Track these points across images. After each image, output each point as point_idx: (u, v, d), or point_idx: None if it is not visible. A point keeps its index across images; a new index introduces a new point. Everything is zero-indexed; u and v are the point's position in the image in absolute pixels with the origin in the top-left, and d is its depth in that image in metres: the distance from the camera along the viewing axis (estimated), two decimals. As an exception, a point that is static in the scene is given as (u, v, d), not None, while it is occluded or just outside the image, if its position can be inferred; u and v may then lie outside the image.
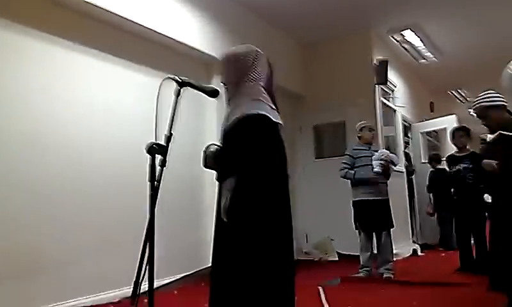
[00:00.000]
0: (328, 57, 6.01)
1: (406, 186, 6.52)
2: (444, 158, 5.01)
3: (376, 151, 4.15)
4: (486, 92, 2.73)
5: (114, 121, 3.55)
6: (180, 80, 1.65)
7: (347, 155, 4.20)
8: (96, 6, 3.24)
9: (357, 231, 4.13)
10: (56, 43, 3.17)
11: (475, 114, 2.76)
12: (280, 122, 1.77)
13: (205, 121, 4.40)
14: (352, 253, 4.78)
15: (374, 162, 3.99)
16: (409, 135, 7.23)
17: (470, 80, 7.78)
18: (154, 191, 1.47)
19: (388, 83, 5.94)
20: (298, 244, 5.77)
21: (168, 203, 3.79)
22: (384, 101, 6.02)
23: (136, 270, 1.43)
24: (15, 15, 2.92)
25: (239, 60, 1.81)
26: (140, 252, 1.43)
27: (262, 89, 1.78)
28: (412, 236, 6.43)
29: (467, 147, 4.26)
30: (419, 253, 5.90)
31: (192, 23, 4.27)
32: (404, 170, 6.48)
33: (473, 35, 5.97)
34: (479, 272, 3.64)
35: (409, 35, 5.83)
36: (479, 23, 5.64)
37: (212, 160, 1.75)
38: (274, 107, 1.79)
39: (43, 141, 2.99)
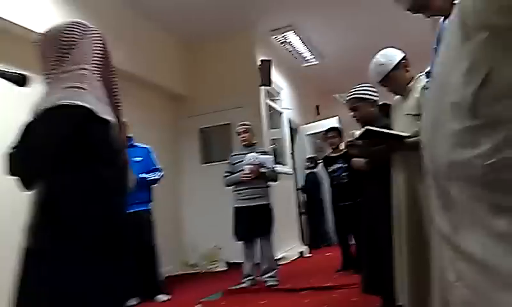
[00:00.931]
0: (211, 57, 5.76)
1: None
2: (320, 160, 5.13)
3: (258, 152, 4.00)
4: (360, 84, 2.59)
5: None
6: None
7: (227, 162, 4.09)
8: None
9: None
10: None
11: (348, 108, 2.62)
12: (110, 119, 1.39)
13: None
14: (241, 261, 4.59)
15: (244, 165, 3.85)
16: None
17: (351, 83, 8.19)
18: None
19: (274, 85, 5.90)
20: (184, 256, 5.39)
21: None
22: (270, 103, 5.97)
23: None
24: None
25: (57, 38, 1.41)
26: None
27: (89, 74, 1.39)
28: (303, 238, 6.52)
29: (340, 147, 4.36)
30: (306, 254, 5.97)
31: (57, 15, 3.61)
32: (292, 172, 6.53)
33: (351, 37, 6.22)
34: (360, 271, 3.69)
35: (291, 37, 5.85)
36: (355, 25, 5.85)
37: (18, 164, 1.31)
38: (104, 98, 1.40)
39: None
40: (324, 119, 7.53)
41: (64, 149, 1.26)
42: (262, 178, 3.88)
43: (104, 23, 4.04)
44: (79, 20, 1.48)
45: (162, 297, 3.70)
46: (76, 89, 1.32)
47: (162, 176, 3.94)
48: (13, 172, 1.32)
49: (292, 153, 6.84)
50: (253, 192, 3.86)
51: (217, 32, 5.50)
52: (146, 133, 4.55)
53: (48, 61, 1.41)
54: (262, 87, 5.52)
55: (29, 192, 1.33)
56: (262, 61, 5.45)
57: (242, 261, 4.00)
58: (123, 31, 4.42)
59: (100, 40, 1.48)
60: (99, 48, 1.46)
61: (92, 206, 1.29)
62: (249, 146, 4.04)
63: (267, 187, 3.98)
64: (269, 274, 3.87)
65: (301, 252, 5.88)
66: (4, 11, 3.20)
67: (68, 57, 1.38)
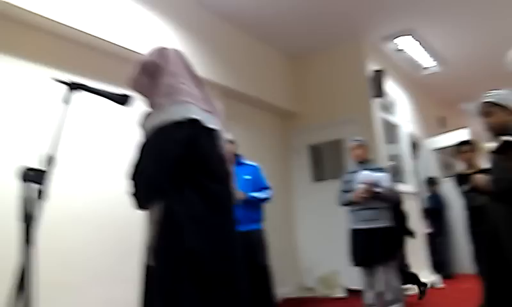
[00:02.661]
0: (319, 70, 5.56)
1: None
2: (453, 175, 4.44)
3: (373, 169, 3.64)
4: (499, 89, 2.28)
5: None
6: (69, 83, 1.28)
7: (341, 180, 3.81)
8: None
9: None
10: None
11: (481, 112, 2.30)
12: (216, 127, 1.41)
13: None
14: (361, 289, 4.18)
15: (356, 183, 3.53)
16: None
17: (478, 92, 7.17)
18: (27, 231, 1.06)
19: (388, 96, 5.44)
20: (300, 279, 5.17)
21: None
22: (385, 116, 5.50)
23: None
24: None
25: (147, 69, 1.48)
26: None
27: (186, 86, 1.39)
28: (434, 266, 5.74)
29: (475, 163, 3.71)
30: (438, 285, 5.19)
31: (172, 40, 3.87)
32: (416, 191, 5.86)
33: (477, 40, 5.46)
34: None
35: (407, 43, 5.35)
36: (479, 26, 5.14)
37: (137, 186, 1.33)
38: (207, 108, 1.41)
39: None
40: (450, 131, 6.69)
41: (178, 167, 1.27)
42: (378, 198, 3.49)
43: (211, 45, 4.29)
44: (158, 47, 1.52)
45: (276, 320, 3.53)
46: (182, 103, 1.33)
47: (272, 194, 3.84)
48: (133, 193, 1.34)
49: (414, 170, 6.15)
50: (370, 214, 3.51)
51: (324, 44, 5.31)
52: (255, 152, 4.54)
53: (146, 87, 1.47)
54: (375, 99, 5.12)
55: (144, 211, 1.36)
56: (374, 71, 5.08)
57: (362, 288, 3.62)
58: (231, 53, 4.57)
59: (181, 55, 1.51)
60: (183, 62, 1.49)
61: (211, 228, 1.29)
62: (363, 162, 3.70)
63: (387, 207, 3.57)
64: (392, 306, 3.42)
65: (432, 283, 5.13)
66: (109, 34, 3.37)
67: (163, 72, 1.41)
